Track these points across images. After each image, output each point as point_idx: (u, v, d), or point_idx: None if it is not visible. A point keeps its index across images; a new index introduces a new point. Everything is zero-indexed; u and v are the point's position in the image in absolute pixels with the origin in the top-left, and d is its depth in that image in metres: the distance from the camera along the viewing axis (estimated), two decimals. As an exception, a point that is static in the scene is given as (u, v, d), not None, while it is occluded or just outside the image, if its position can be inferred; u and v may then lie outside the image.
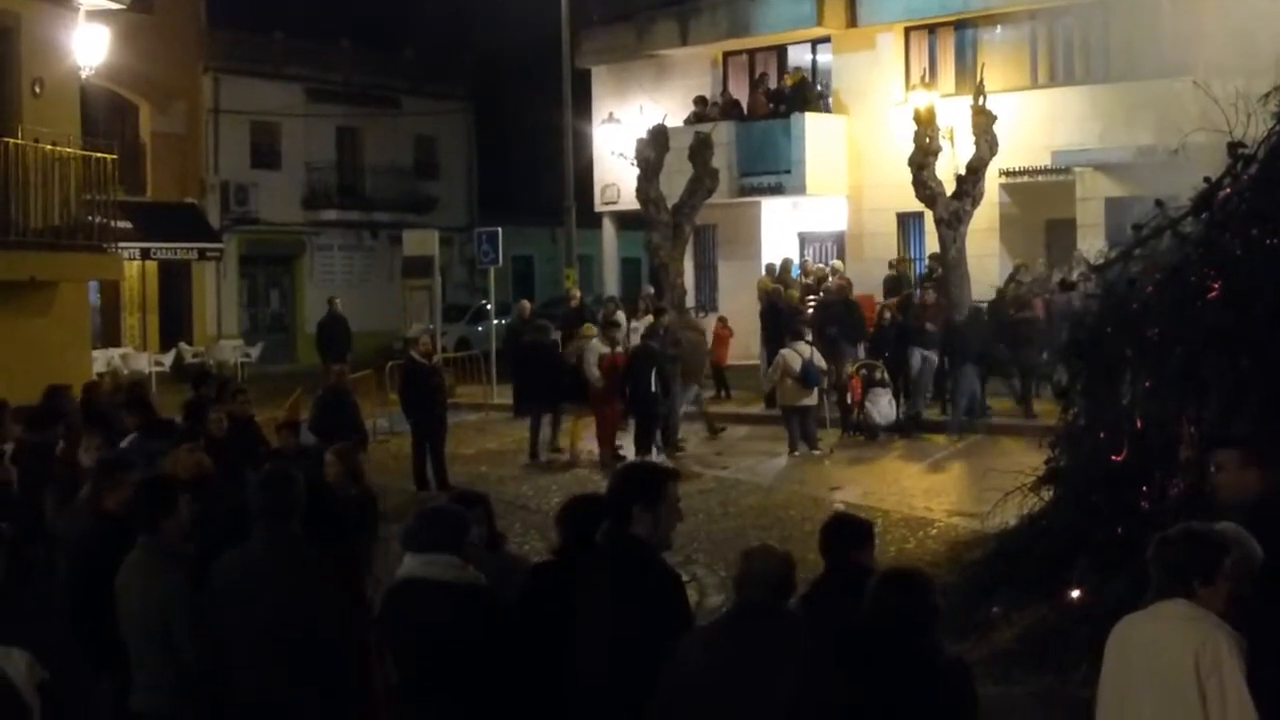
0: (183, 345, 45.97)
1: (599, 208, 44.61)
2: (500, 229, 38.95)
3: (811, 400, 26.43)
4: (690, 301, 36.55)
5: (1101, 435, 12.94)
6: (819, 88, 40.66)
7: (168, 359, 43.95)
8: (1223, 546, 6.74)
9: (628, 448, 25.89)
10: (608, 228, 45.16)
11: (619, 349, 26.82)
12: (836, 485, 22.83)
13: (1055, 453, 13.98)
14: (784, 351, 26.85)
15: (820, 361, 26.61)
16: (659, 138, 35.91)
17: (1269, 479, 8.34)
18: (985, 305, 29.88)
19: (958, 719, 6.98)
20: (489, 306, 42.94)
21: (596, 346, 26.63)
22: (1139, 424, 12.35)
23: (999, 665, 11.54)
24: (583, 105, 44.34)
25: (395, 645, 8.11)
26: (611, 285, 44.13)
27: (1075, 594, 11.98)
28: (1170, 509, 10.86)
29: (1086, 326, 13.75)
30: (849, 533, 8.50)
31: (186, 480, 10.00)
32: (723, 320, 35.57)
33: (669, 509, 7.76)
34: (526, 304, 36.53)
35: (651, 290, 35.85)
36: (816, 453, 26.05)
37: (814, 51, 41.53)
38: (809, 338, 27.24)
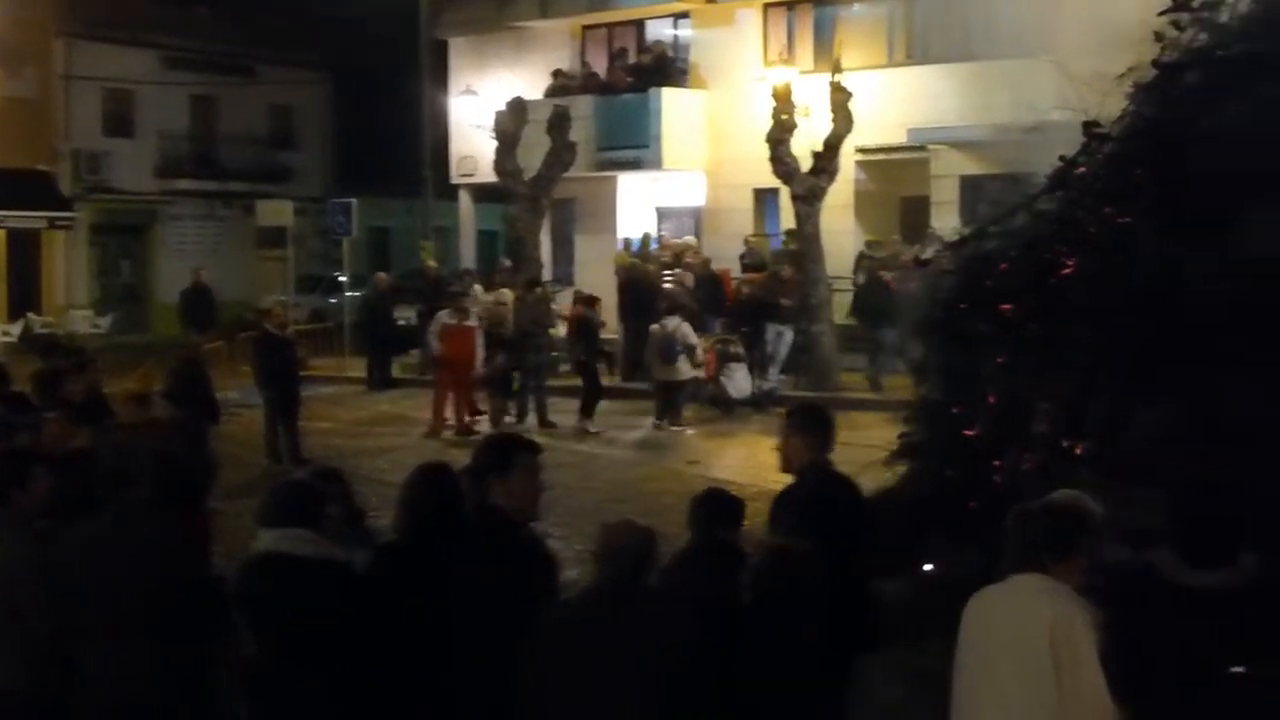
0: (31, 315, 45.24)
1: (456, 180, 44.41)
2: (355, 200, 38.83)
3: (677, 375, 26.59)
4: (547, 275, 36.44)
5: (955, 410, 13.04)
6: (678, 63, 40.68)
7: (16, 329, 43.26)
8: (1081, 523, 6.83)
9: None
10: (464, 200, 44.99)
11: (469, 322, 26.85)
12: (694, 459, 22.91)
13: (909, 427, 14.07)
14: (653, 327, 27.09)
15: (691, 338, 26.77)
16: (517, 110, 35.80)
17: (813, 451, 9.11)
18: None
19: (829, 691, 7.07)
20: (342, 278, 42.71)
21: (441, 318, 26.74)
22: (992, 399, 12.45)
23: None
24: (441, 77, 44.14)
25: (252, 619, 8.03)
26: (468, 258, 43.97)
27: (929, 567, 12.07)
28: (1023, 483, 10.95)
29: (941, 302, 13.84)
30: (719, 510, 8.53)
31: (53, 452, 9.88)
32: (578, 294, 35.63)
33: (523, 479, 7.79)
34: (383, 276, 36.49)
35: (509, 263, 35.78)
36: (676, 429, 26.18)
37: (674, 26, 41.50)
38: (682, 313, 27.51)
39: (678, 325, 26.81)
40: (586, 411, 26.89)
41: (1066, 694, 6.43)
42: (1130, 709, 6.58)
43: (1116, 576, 7.07)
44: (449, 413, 26.76)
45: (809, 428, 9.30)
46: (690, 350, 26.83)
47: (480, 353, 26.77)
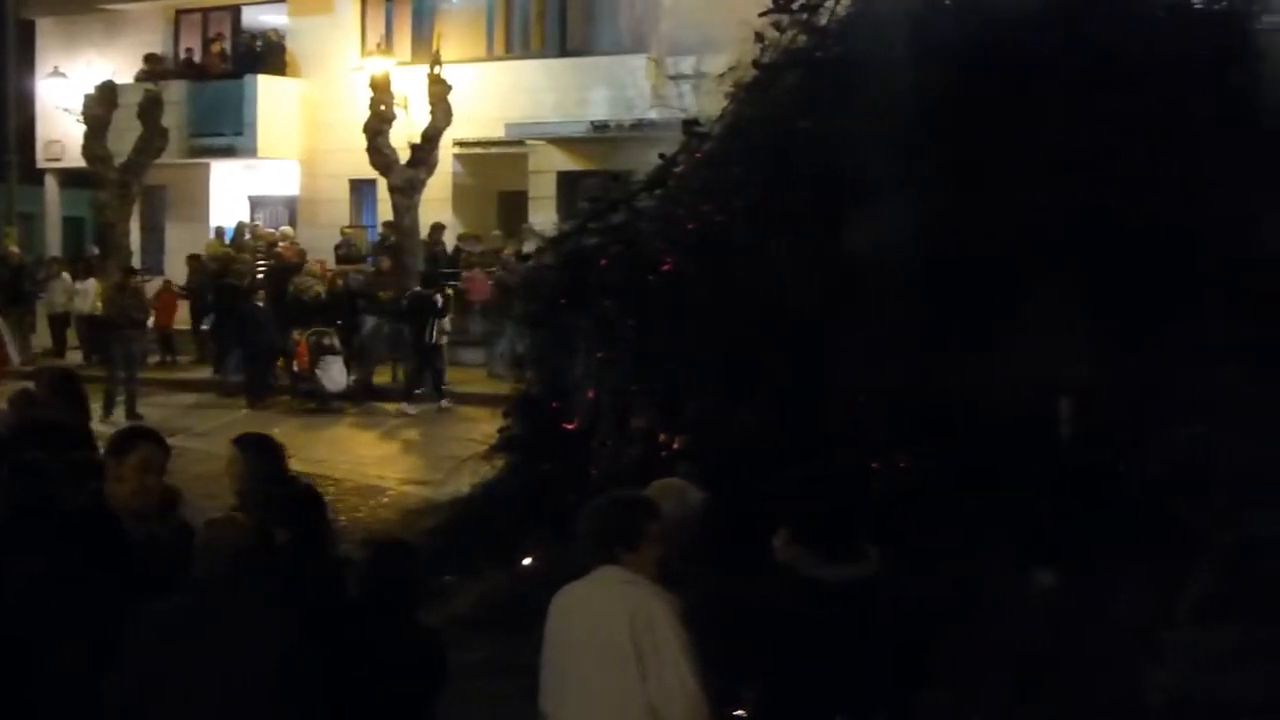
0: None
1: (42, 164, 43.02)
2: (-66, 185, 37.40)
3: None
4: (136, 263, 35.54)
5: (555, 404, 13.10)
6: (275, 50, 40.19)
7: None
8: (647, 512, 6.92)
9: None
10: (50, 185, 43.64)
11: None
12: (289, 453, 22.52)
13: (509, 421, 14.08)
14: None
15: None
16: (107, 94, 34.95)
17: None
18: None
19: (432, 688, 7.03)
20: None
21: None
22: (592, 394, 12.53)
23: (454, 632, 11.54)
24: (28, 58, 42.81)
25: None
26: (54, 245, 42.69)
27: (528, 560, 12.08)
28: (622, 477, 11.03)
29: (542, 297, 13.88)
30: (308, 506, 8.41)
31: None
32: (169, 284, 34.93)
33: (136, 471, 7.53)
34: (-36, 263, 35.24)
35: (97, 251, 34.92)
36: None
37: (270, 13, 40.92)
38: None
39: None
40: (437, 390, 27.20)
41: (651, 683, 6.51)
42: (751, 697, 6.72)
43: (756, 573, 7.20)
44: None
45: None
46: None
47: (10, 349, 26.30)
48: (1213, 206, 10.38)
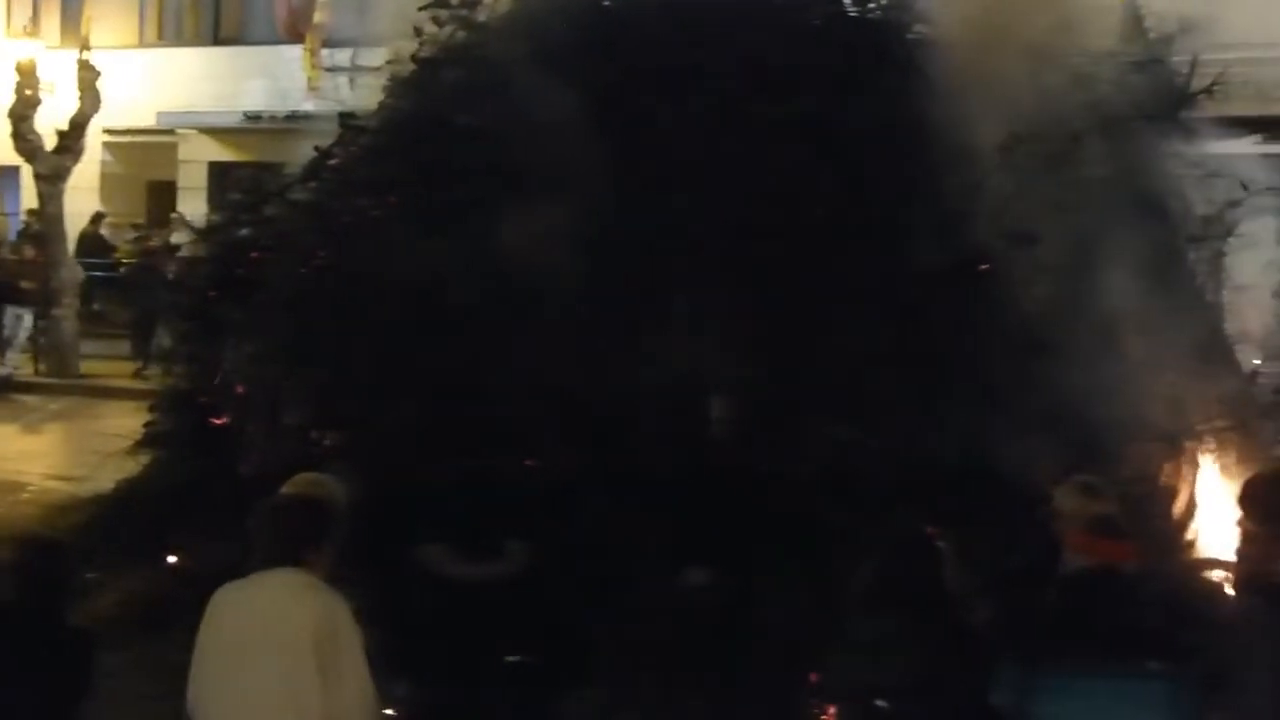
0: None
1: None
2: None
3: None
4: None
5: (204, 399, 12.88)
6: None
7: None
8: (328, 512, 6.83)
9: None
10: None
11: None
12: (-72, 447, 21.88)
13: (156, 415, 13.81)
14: None
15: None
16: None
17: None
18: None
19: (80, 688, 6.85)
20: None
21: None
22: (241, 389, 12.35)
23: (98, 631, 11.26)
24: None
25: None
26: None
27: (173, 558, 11.87)
28: (273, 474, 10.89)
29: (191, 289, 13.67)
30: None
31: None
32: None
33: None
34: None
35: None
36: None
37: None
38: None
39: None
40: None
41: (330, 688, 6.39)
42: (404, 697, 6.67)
43: (393, 571, 7.15)
44: None
45: None
46: None
47: None
48: (868, 211, 10.62)
